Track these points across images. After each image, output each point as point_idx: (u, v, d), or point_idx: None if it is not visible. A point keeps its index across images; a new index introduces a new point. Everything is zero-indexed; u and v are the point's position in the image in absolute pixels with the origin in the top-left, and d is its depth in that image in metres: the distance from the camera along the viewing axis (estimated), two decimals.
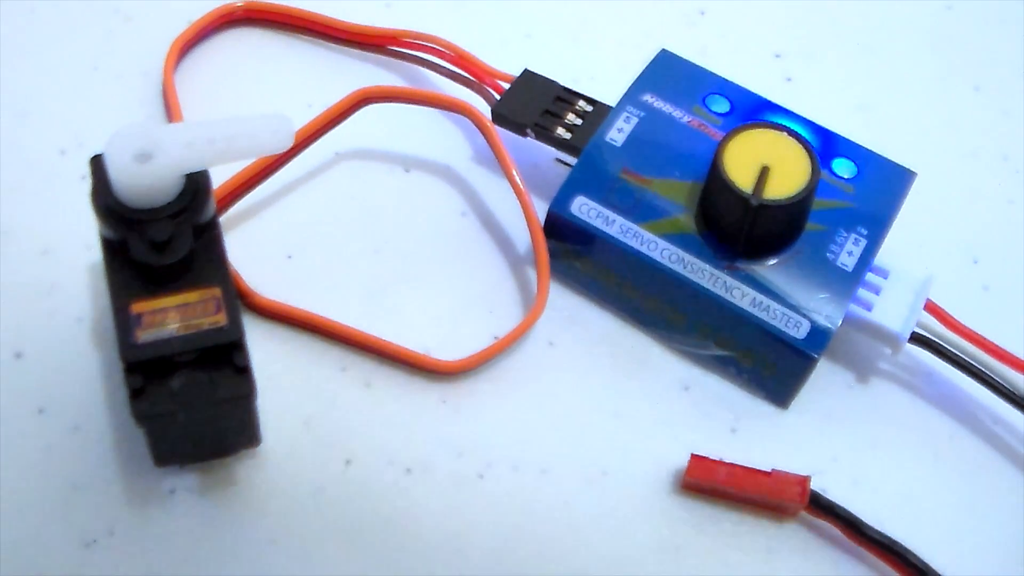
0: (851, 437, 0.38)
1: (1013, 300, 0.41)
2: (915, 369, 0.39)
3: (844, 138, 0.40)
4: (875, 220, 0.39)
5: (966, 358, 0.38)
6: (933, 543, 0.35)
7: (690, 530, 0.36)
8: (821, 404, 0.38)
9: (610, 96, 0.41)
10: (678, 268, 0.38)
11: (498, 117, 0.41)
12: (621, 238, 0.38)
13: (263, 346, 0.38)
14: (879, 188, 0.39)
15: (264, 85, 0.44)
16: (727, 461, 0.36)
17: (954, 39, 0.47)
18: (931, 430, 0.38)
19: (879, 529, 0.35)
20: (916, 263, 0.39)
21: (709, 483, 0.36)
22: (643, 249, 0.38)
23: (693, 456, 0.36)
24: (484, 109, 0.42)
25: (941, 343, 0.38)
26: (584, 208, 0.39)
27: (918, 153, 0.41)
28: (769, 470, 0.36)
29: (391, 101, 0.41)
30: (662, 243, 0.38)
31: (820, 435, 0.38)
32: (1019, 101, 0.46)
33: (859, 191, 0.39)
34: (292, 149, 0.40)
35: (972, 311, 0.38)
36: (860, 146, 0.40)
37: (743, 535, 0.36)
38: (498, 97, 0.42)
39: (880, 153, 0.40)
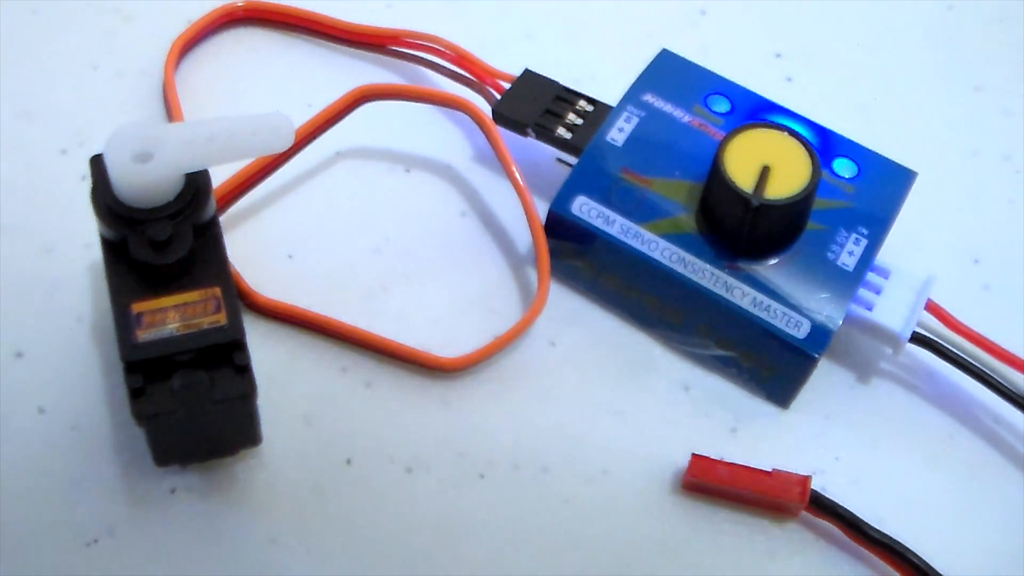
0: (851, 437, 0.38)
1: (1014, 300, 0.41)
2: (915, 369, 0.39)
3: (845, 138, 0.40)
4: (876, 220, 0.39)
5: (966, 358, 0.38)
6: (933, 543, 0.35)
7: (690, 530, 0.36)
8: (821, 404, 0.38)
9: (610, 96, 0.41)
10: (678, 268, 0.38)
11: (499, 117, 0.41)
12: (621, 238, 0.38)
13: (263, 345, 0.38)
14: (880, 188, 0.39)
15: (264, 85, 0.44)
16: (727, 461, 0.36)
17: (954, 39, 0.47)
18: (931, 430, 0.38)
19: (879, 529, 0.35)
20: (916, 263, 0.39)
21: (709, 483, 0.36)
22: (643, 249, 0.38)
23: (693, 456, 0.36)
24: (484, 106, 0.42)
25: (941, 343, 0.38)
26: (585, 208, 0.39)
27: (918, 153, 0.41)
28: (770, 470, 0.36)
29: (390, 98, 0.41)
30: (662, 243, 0.38)
31: (820, 435, 0.38)
32: (1020, 101, 0.46)
33: (860, 191, 0.39)
34: (292, 148, 0.40)
35: (973, 311, 0.38)
36: (861, 146, 0.40)
37: (743, 535, 0.36)
38: (499, 97, 0.42)
39: (880, 153, 0.40)
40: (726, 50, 0.46)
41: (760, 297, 0.37)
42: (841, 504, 0.35)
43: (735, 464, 0.36)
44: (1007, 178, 0.44)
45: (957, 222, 0.42)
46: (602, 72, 0.44)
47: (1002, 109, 0.45)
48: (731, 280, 0.38)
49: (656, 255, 0.38)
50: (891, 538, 0.35)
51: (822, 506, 0.35)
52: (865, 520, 0.35)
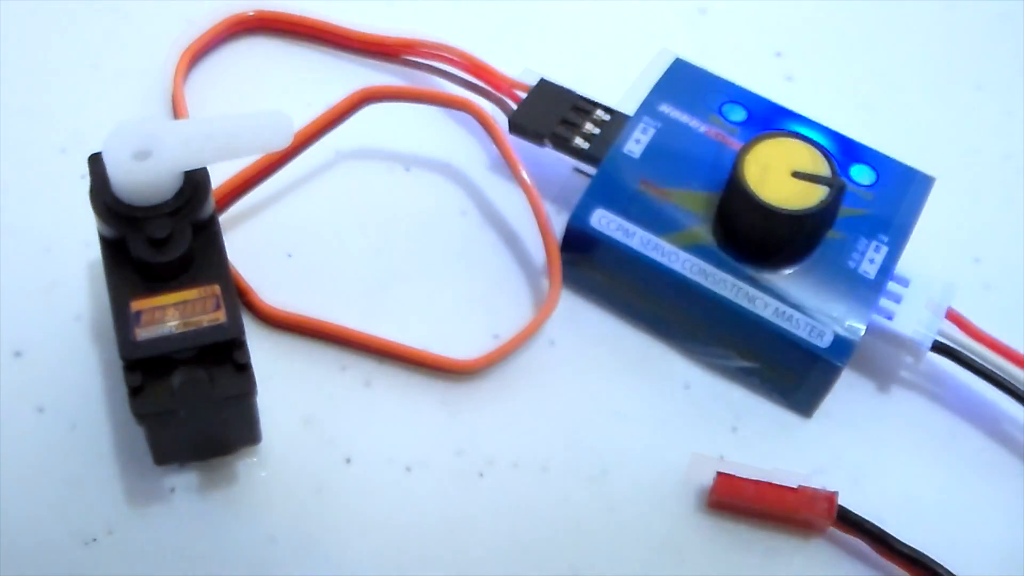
0: (851, 436, 0.38)
1: (1014, 299, 0.41)
2: (915, 368, 0.39)
3: (862, 144, 0.40)
4: (896, 227, 0.38)
5: (968, 354, 0.37)
6: (933, 542, 0.35)
7: (690, 528, 0.36)
8: (821, 403, 0.38)
9: (612, 96, 0.41)
10: (700, 280, 0.38)
11: (515, 127, 0.41)
12: (642, 250, 0.38)
13: (263, 344, 0.38)
14: (899, 195, 0.39)
15: (274, 93, 0.43)
16: (752, 476, 0.36)
17: (956, 38, 0.47)
18: (932, 428, 0.38)
19: (873, 523, 0.35)
20: (916, 262, 0.39)
21: (737, 501, 0.36)
22: (664, 261, 0.38)
23: (719, 474, 0.36)
24: (487, 107, 0.42)
25: (941, 340, 0.38)
26: (604, 221, 0.38)
27: (919, 152, 0.41)
28: (796, 486, 0.35)
29: (392, 100, 0.41)
30: (683, 255, 0.38)
31: (820, 434, 0.38)
32: (1020, 100, 0.46)
33: (879, 198, 0.39)
34: (293, 148, 0.40)
35: (973, 310, 0.38)
36: (878, 152, 0.40)
37: (742, 532, 0.36)
38: (513, 105, 0.42)
39: (882, 153, 0.40)
40: (726, 50, 0.46)
41: (782, 307, 0.37)
42: (841, 505, 0.35)
43: (760, 481, 0.36)
44: (1008, 177, 0.44)
45: (958, 221, 0.42)
46: (602, 72, 0.44)
47: (1003, 108, 0.45)
48: (752, 291, 0.37)
49: (677, 267, 0.38)
50: (915, 548, 0.35)
51: (850, 521, 0.35)
52: (858, 513, 0.35)
